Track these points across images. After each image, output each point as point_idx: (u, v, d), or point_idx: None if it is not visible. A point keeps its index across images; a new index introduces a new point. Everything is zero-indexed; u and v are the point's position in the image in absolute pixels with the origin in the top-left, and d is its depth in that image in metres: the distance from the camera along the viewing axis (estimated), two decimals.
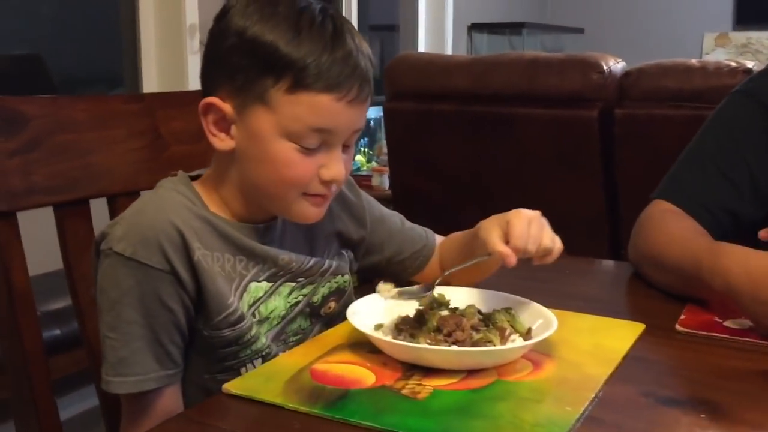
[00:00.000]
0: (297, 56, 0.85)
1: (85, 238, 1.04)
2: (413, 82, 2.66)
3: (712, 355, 0.90)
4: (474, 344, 0.85)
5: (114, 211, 1.09)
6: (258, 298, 0.94)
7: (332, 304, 1.02)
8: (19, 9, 2.80)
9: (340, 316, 1.00)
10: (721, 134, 1.24)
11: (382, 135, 3.54)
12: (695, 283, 1.02)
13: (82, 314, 1.03)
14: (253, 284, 0.94)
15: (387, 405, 0.74)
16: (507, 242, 0.91)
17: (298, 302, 0.98)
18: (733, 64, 2.21)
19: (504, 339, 0.87)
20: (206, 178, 0.97)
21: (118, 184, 1.09)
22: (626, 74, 2.35)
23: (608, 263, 1.43)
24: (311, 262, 0.99)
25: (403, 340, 0.86)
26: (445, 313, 0.91)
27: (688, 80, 2.22)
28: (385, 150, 3.16)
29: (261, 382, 0.80)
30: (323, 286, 1.01)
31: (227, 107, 0.90)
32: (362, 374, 0.82)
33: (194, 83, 3.04)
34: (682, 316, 1.00)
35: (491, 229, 0.94)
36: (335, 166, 0.91)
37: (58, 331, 2.02)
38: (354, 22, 4.05)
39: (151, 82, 3.10)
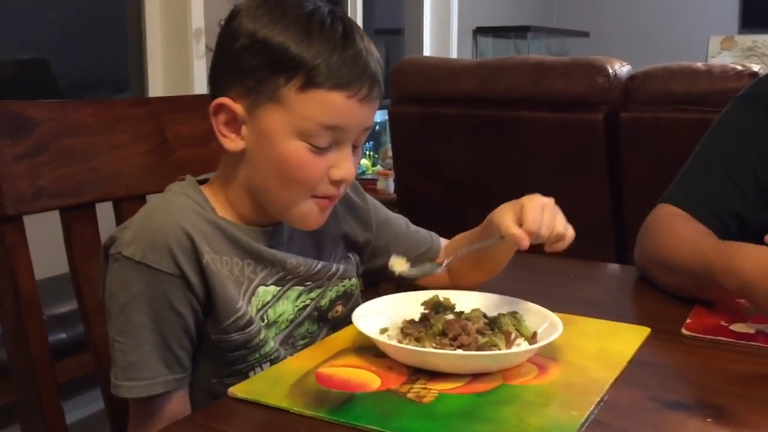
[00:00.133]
0: (308, 56, 0.86)
1: (91, 241, 1.05)
2: (418, 85, 2.66)
3: (718, 359, 0.90)
4: (479, 348, 0.85)
5: (120, 215, 1.10)
6: (266, 302, 0.94)
7: (339, 308, 1.02)
8: (26, 14, 2.81)
9: (346, 320, 1.00)
10: (726, 139, 1.24)
11: (387, 138, 3.55)
12: (706, 284, 1.02)
13: (88, 318, 1.03)
14: (262, 288, 0.94)
15: (392, 409, 0.74)
16: (520, 226, 0.92)
17: (306, 306, 0.98)
18: (739, 67, 2.21)
19: (509, 343, 0.87)
20: (214, 182, 0.97)
21: (124, 188, 1.10)
22: (632, 78, 2.34)
23: (614, 267, 1.43)
24: (319, 266, 0.99)
25: (408, 344, 0.86)
26: (450, 317, 0.91)
27: (693, 84, 2.22)
28: (390, 153, 3.16)
29: (266, 385, 0.80)
30: (331, 290, 1.01)
31: (238, 107, 0.90)
32: (367, 378, 0.82)
33: (200, 87, 3.04)
34: (688, 320, 1.00)
35: (504, 213, 0.96)
36: (345, 166, 0.92)
37: (64, 335, 2.03)
38: (359, 25, 4.05)
39: (156, 87, 3.11)
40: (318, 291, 1.00)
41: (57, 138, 1.02)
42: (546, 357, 0.86)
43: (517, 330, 0.89)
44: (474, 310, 0.92)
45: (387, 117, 2.77)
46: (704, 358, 0.91)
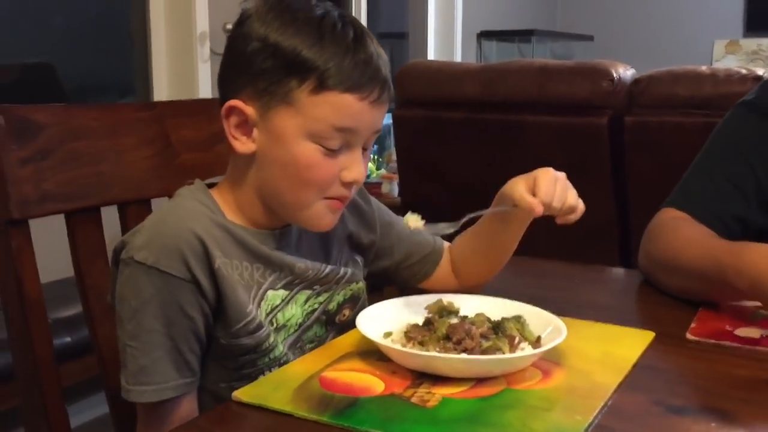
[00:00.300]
0: (321, 58, 0.87)
1: (96, 245, 1.05)
2: (423, 89, 2.66)
3: (722, 363, 0.90)
4: (483, 352, 0.85)
5: (125, 219, 1.10)
6: (275, 306, 0.94)
7: (347, 312, 1.02)
8: (32, 18, 2.82)
9: (353, 324, 1.00)
10: (727, 144, 1.25)
11: (391, 142, 3.55)
12: (716, 285, 1.03)
13: (92, 321, 1.04)
14: (271, 292, 0.94)
15: (396, 413, 0.74)
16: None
17: (315, 310, 0.99)
18: (744, 71, 2.21)
19: (513, 347, 0.87)
20: (222, 185, 0.97)
21: (129, 192, 1.10)
22: (636, 81, 2.34)
23: (618, 271, 1.43)
24: (327, 270, 0.99)
25: (412, 348, 0.86)
26: (454, 321, 0.91)
27: (698, 87, 2.22)
28: (394, 157, 3.16)
29: (270, 389, 0.80)
30: (338, 294, 1.01)
31: (250, 110, 0.90)
32: (371, 382, 0.82)
33: (204, 91, 3.05)
34: (693, 325, 1.00)
35: (517, 183, 0.98)
36: (356, 168, 0.92)
37: (68, 339, 2.03)
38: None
39: (161, 91, 3.11)
40: (326, 295, 1.00)
41: (62, 142, 1.02)
42: (550, 361, 0.86)
43: (521, 334, 0.89)
44: (478, 314, 0.92)
45: (391, 121, 2.77)
46: (709, 362, 0.90)
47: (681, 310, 1.06)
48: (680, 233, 1.16)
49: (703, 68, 2.28)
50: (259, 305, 0.93)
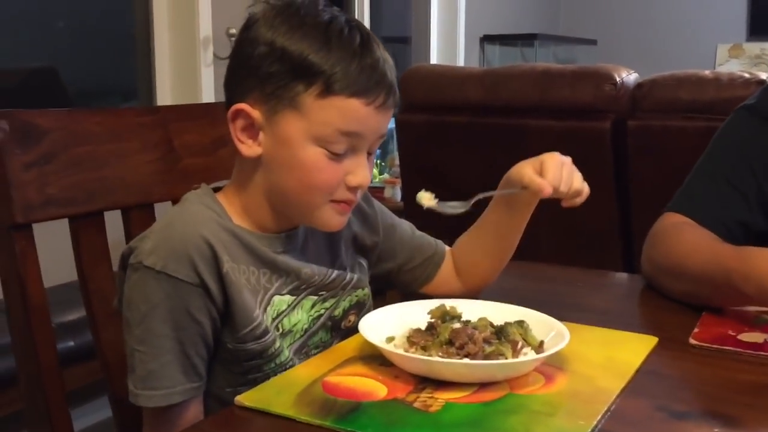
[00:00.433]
0: (327, 63, 0.88)
1: (99, 250, 1.05)
2: (425, 93, 2.66)
3: (726, 368, 0.90)
4: (486, 357, 0.85)
5: (128, 223, 1.10)
6: (281, 312, 0.95)
7: (352, 318, 1.02)
8: (35, 22, 2.83)
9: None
10: (728, 148, 1.26)
11: (394, 147, 3.55)
12: (722, 289, 1.03)
13: (96, 326, 1.04)
14: (277, 297, 0.94)
15: (399, 418, 0.74)
16: None
17: (320, 316, 0.99)
18: (747, 75, 2.20)
19: (516, 352, 0.87)
20: (228, 189, 0.98)
21: (133, 196, 1.10)
22: (639, 86, 2.34)
23: (621, 276, 1.42)
24: (333, 275, 1.00)
25: (414, 353, 0.86)
26: (457, 325, 0.91)
27: (701, 92, 2.22)
28: (397, 162, 3.16)
29: (273, 394, 0.80)
30: (344, 300, 1.02)
31: (256, 113, 0.91)
32: (374, 387, 0.82)
33: (207, 96, 3.05)
34: (696, 330, 1.00)
35: (523, 166, 1.00)
36: (362, 172, 0.93)
37: (71, 343, 2.03)
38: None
39: (164, 95, 3.12)
40: (332, 301, 1.00)
41: (66, 146, 1.02)
42: (553, 366, 0.86)
43: (524, 339, 0.89)
44: (481, 319, 0.92)
45: (394, 125, 2.78)
46: (712, 367, 0.90)
47: (684, 315, 1.06)
48: (683, 238, 1.16)
49: (706, 72, 2.28)
50: (265, 310, 0.93)
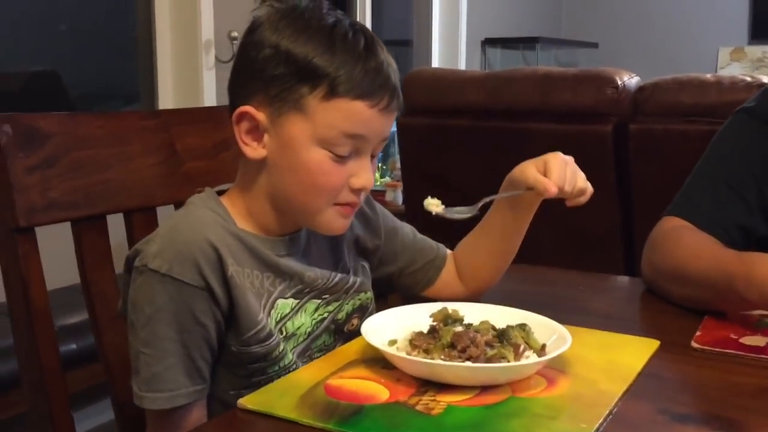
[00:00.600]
0: (332, 66, 0.88)
1: (102, 253, 1.05)
2: (427, 97, 2.67)
3: (727, 372, 0.90)
4: (488, 360, 0.85)
5: (131, 227, 1.10)
6: (285, 315, 0.95)
7: (355, 321, 1.02)
8: (37, 26, 2.83)
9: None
10: (728, 152, 1.25)
11: (395, 150, 3.55)
12: (723, 294, 1.03)
13: (98, 328, 1.04)
14: (280, 301, 0.95)
15: (401, 421, 0.74)
16: None
17: (324, 319, 0.99)
18: (749, 78, 2.20)
19: (518, 355, 0.87)
20: (232, 192, 0.98)
21: (135, 200, 1.10)
22: (641, 89, 2.34)
23: (623, 279, 1.43)
24: (337, 279, 1.00)
25: (417, 356, 0.86)
26: (459, 328, 0.91)
27: (703, 95, 2.22)
28: (398, 165, 3.16)
29: (275, 397, 0.80)
30: (347, 304, 1.02)
31: (261, 116, 0.91)
32: (376, 390, 0.82)
33: (209, 99, 3.06)
34: (698, 333, 1.00)
35: (527, 167, 1.00)
36: (365, 174, 0.93)
37: (74, 346, 2.04)
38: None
39: (166, 98, 3.12)
40: (335, 304, 1.00)
41: (68, 150, 1.03)
42: (555, 369, 0.86)
43: (526, 342, 0.89)
44: (483, 322, 0.92)
45: (395, 128, 2.78)
46: (714, 371, 0.90)
47: (686, 318, 1.06)
48: (683, 242, 1.16)
49: (708, 76, 2.28)
50: (269, 314, 0.93)
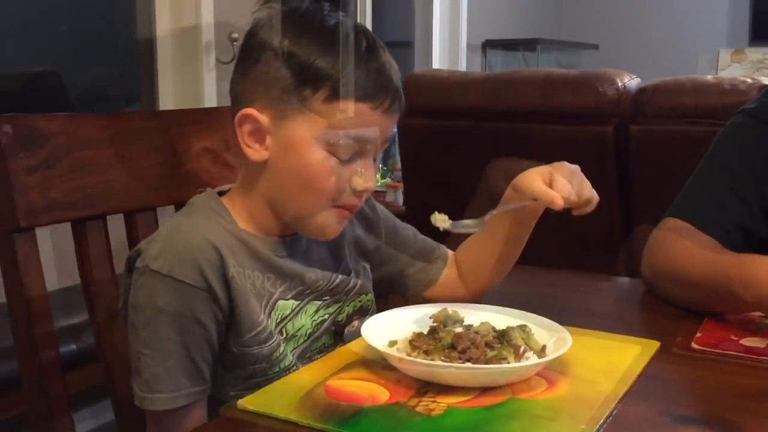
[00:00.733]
0: (334, 68, 0.89)
1: (102, 254, 1.05)
2: (427, 98, 2.66)
3: (728, 373, 0.90)
4: (488, 362, 0.85)
5: (131, 227, 1.10)
6: (285, 316, 0.95)
7: (356, 323, 1.02)
8: (37, 26, 2.83)
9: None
10: (728, 153, 1.25)
11: (396, 151, 3.55)
12: (723, 296, 1.02)
13: (98, 330, 1.04)
14: (281, 302, 0.95)
15: (401, 422, 0.74)
16: None
17: (324, 321, 0.99)
18: (749, 80, 2.20)
19: (518, 356, 0.87)
20: (233, 193, 0.98)
21: (136, 201, 1.10)
22: (641, 90, 2.34)
23: (623, 280, 1.42)
24: (337, 280, 1.00)
25: (417, 357, 0.86)
26: (459, 330, 0.91)
27: (703, 97, 2.22)
28: (399, 166, 3.16)
29: (275, 398, 0.80)
30: (348, 305, 1.02)
31: (263, 118, 0.91)
32: (376, 391, 0.82)
33: (210, 100, 3.06)
34: (698, 334, 1.00)
35: (533, 177, 0.98)
36: (368, 176, 0.94)
37: (74, 346, 2.03)
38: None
39: (167, 99, 3.12)
40: (336, 306, 1.00)
41: (69, 151, 1.03)
42: (555, 371, 0.86)
43: (526, 343, 0.89)
44: (483, 324, 0.92)
45: (396, 129, 2.78)
46: (714, 372, 0.90)
47: (686, 320, 1.06)
48: (683, 244, 1.15)
49: (709, 77, 2.28)
50: (269, 315, 0.93)
